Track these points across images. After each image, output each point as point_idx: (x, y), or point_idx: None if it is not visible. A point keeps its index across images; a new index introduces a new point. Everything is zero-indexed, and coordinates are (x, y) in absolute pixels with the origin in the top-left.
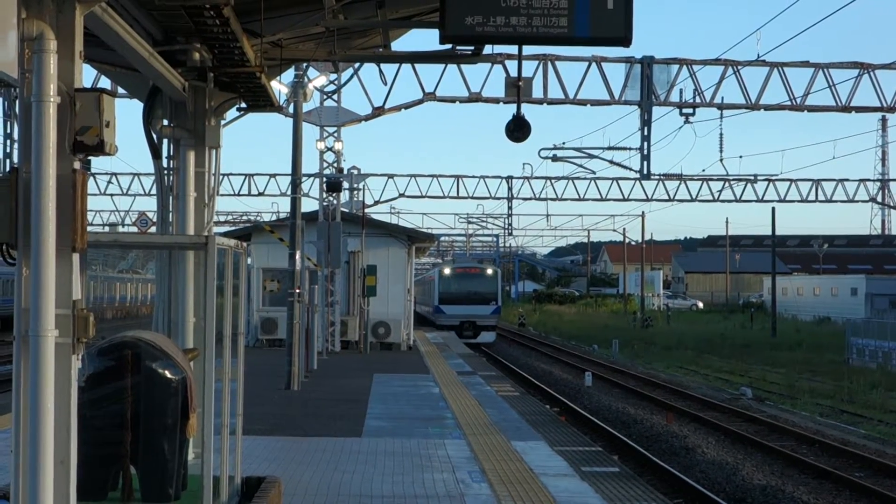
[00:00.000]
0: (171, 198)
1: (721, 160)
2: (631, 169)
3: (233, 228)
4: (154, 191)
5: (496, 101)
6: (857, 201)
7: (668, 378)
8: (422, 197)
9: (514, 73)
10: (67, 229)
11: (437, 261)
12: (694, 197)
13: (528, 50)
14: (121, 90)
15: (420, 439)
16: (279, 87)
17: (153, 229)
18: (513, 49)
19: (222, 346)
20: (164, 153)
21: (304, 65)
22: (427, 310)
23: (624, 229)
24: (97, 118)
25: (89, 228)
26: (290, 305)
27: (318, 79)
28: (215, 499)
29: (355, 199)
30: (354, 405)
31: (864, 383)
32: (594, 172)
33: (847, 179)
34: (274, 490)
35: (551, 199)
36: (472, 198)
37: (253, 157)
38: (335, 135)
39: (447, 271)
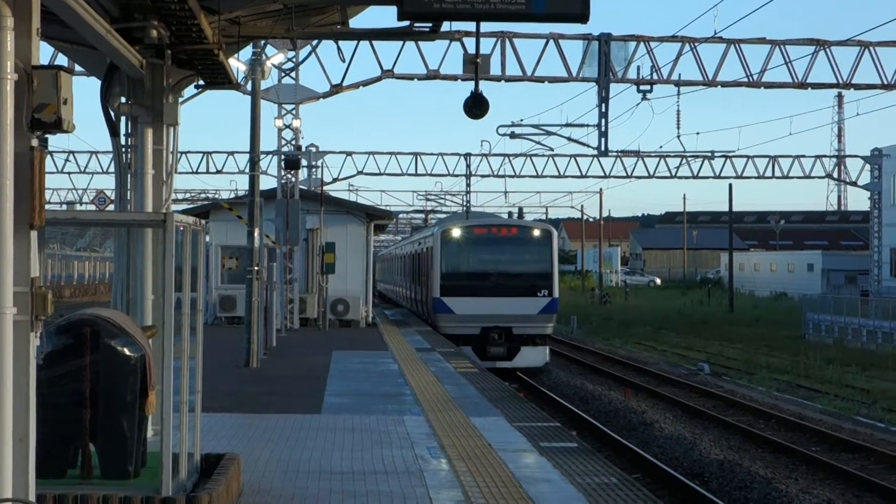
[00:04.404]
0: (129, 175)
1: (678, 137)
2: (589, 146)
3: (191, 206)
4: (112, 168)
5: (454, 78)
6: (814, 177)
7: (626, 354)
8: (380, 174)
9: (472, 51)
10: (25, 207)
11: (395, 237)
12: (651, 173)
13: (485, 27)
14: (78, 68)
15: (379, 416)
16: (237, 64)
17: (111, 207)
18: (471, 26)
19: (181, 324)
20: (122, 131)
21: (262, 42)
22: (415, 299)
23: (582, 206)
24: (55, 95)
25: (46, 207)
26: (248, 283)
27: (275, 56)
28: (174, 476)
29: (314, 176)
30: (313, 382)
31: (821, 358)
32: (552, 149)
33: (803, 156)
34: (233, 467)
35: (509, 176)
36: (431, 175)
37: (211, 134)
38: (293, 112)
39: (457, 233)
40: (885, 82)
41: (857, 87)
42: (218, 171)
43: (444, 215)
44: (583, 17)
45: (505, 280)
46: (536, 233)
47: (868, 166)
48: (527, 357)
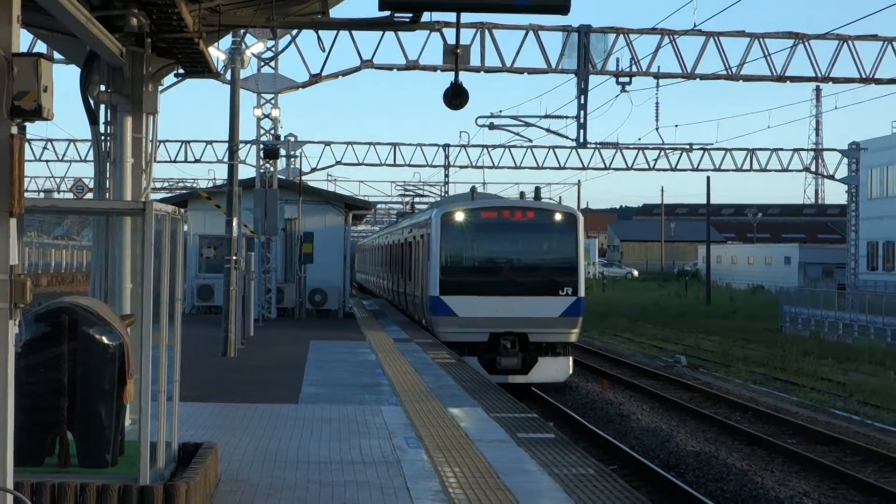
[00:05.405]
0: (108, 164)
1: (657, 129)
2: (567, 137)
3: (169, 195)
4: (90, 157)
5: (434, 68)
6: (792, 170)
7: (603, 346)
8: (358, 164)
9: (451, 41)
10: (5, 194)
11: (373, 228)
12: (630, 165)
13: (465, 17)
14: (57, 55)
15: (356, 406)
16: (217, 53)
17: (89, 195)
18: (451, 16)
19: (159, 313)
20: (102, 119)
21: (242, 31)
22: (405, 295)
23: (560, 198)
24: (35, 83)
25: (25, 194)
26: (226, 272)
27: (255, 45)
28: (152, 465)
29: (292, 166)
30: (291, 372)
31: (797, 351)
32: (531, 141)
33: (781, 149)
34: (211, 456)
35: (488, 168)
36: (409, 165)
37: (190, 123)
38: (272, 102)
39: (461, 216)
40: (863, 76)
41: (836, 80)
42: (196, 161)
43: (423, 203)
44: (563, 9)
45: (520, 275)
46: (558, 217)
47: (845, 160)
48: (545, 370)
